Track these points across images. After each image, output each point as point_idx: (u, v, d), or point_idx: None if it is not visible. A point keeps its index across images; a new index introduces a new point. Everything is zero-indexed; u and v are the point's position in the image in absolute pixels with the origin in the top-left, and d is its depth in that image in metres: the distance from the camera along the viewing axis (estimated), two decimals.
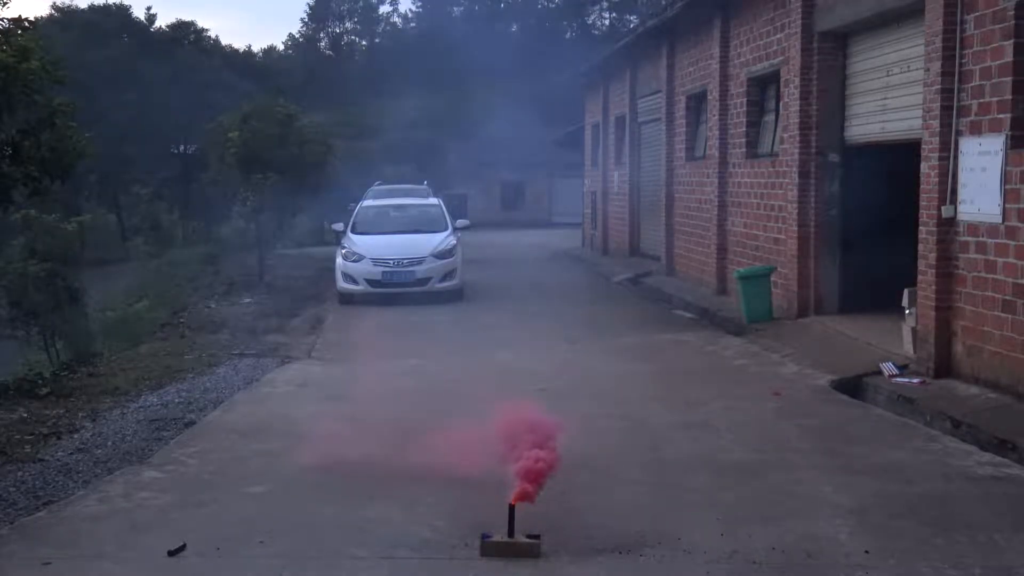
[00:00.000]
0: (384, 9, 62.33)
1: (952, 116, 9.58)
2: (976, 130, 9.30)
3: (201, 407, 9.67)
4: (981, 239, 9.26)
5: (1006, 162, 8.84)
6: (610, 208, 27.02)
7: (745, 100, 15.93)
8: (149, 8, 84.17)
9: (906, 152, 10.92)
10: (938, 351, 9.77)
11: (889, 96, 11.87)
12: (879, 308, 12.27)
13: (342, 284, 18.35)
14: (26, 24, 9.65)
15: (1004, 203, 8.87)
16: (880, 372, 10.20)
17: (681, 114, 19.76)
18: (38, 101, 9.56)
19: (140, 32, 50.58)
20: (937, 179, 9.78)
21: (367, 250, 18.37)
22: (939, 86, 9.67)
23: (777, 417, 8.97)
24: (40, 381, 11.28)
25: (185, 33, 52.79)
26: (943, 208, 9.70)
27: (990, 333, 9.08)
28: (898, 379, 9.88)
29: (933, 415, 8.70)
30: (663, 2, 22.20)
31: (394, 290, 17.95)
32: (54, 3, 50.93)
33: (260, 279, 21.56)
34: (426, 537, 5.93)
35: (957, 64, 9.51)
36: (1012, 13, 8.72)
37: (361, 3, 61.07)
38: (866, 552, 5.63)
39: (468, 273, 19.57)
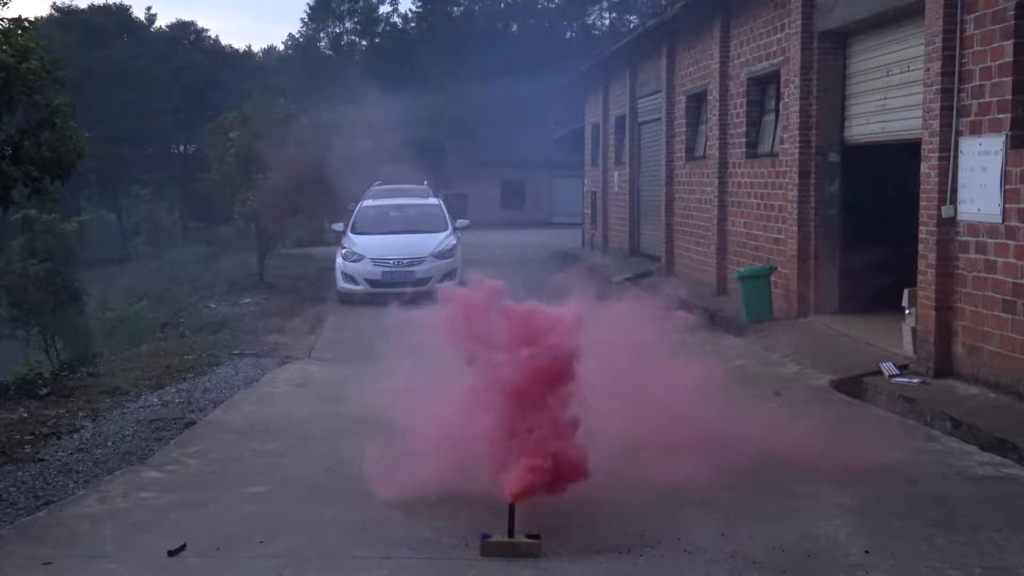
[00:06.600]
0: (384, 9, 62.24)
1: (952, 116, 9.59)
2: (976, 130, 9.30)
3: (201, 407, 9.67)
4: (981, 239, 9.26)
5: (1006, 162, 8.84)
6: (610, 208, 27.03)
7: (745, 100, 15.93)
8: (149, 8, 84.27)
9: (906, 152, 10.93)
10: (938, 351, 9.77)
11: (889, 96, 11.87)
12: (879, 308, 12.27)
13: (342, 284, 18.37)
14: (26, 24, 9.65)
15: (1004, 203, 8.87)
16: (880, 372, 10.20)
17: (681, 114, 19.76)
18: (38, 101, 9.56)
19: (140, 32, 50.61)
20: (937, 179, 9.78)
21: (367, 250, 18.38)
22: (939, 86, 9.67)
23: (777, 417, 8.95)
24: (40, 381, 11.29)
25: (185, 33, 52.81)
26: (943, 208, 9.70)
27: (990, 333, 9.08)
28: (898, 379, 9.88)
29: (933, 415, 8.70)
30: (663, 2, 22.20)
31: (394, 290, 17.93)
32: (54, 3, 50.98)
33: (260, 279, 21.56)
34: (426, 537, 5.92)
35: (957, 64, 9.51)
36: (1012, 13, 8.72)
37: (361, 3, 61.07)
38: (866, 552, 5.63)
39: (468, 273, 19.54)
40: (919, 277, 10.15)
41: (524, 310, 6.27)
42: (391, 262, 18.11)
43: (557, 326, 6.17)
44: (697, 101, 19.00)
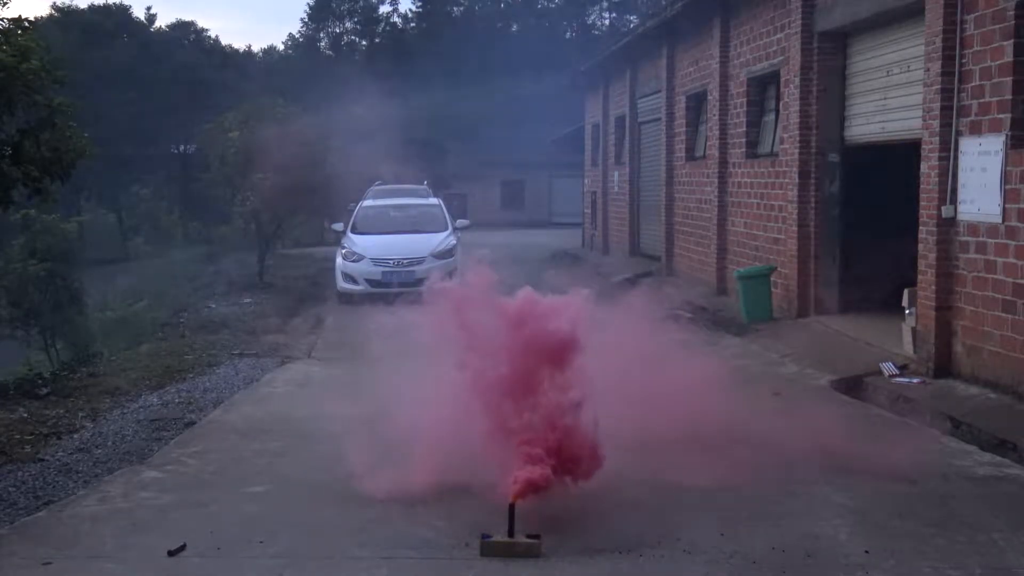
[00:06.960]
0: (384, 9, 62.18)
1: (952, 116, 9.59)
2: (976, 130, 9.30)
3: (201, 407, 9.67)
4: (981, 239, 9.26)
5: (1006, 162, 8.84)
6: (610, 208, 27.03)
7: (745, 100, 15.93)
8: (149, 8, 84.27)
9: (906, 152, 10.93)
10: (938, 351, 9.77)
11: (889, 96, 11.87)
12: (879, 308, 12.28)
13: (342, 284, 18.37)
14: (26, 24, 9.65)
15: (1004, 203, 8.88)
16: (880, 372, 10.20)
17: (681, 114, 19.77)
18: (38, 101, 9.56)
19: (140, 32, 50.57)
20: (937, 179, 9.78)
21: (367, 250, 18.39)
22: (939, 86, 9.67)
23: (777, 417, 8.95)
24: (40, 381, 11.28)
25: (185, 33, 52.80)
26: (943, 208, 9.70)
27: (990, 333, 9.08)
28: (898, 379, 9.88)
29: (933, 415, 8.70)
30: (663, 2, 22.21)
31: (394, 290, 17.94)
32: (54, 3, 50.95)
33: (260, 279, 21.56)
34: (426, 537, 5.92)
35: (957, 64, 9.51)
36: (1012, 13, 8.73)
37: (361, 3, 61.04)
38: (866, 552, 5.63)
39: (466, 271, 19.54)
40: (919, 277, 10.15)
41: (517, 302, 6.26)
42: (391, 262, 18.11)
43: (552, 314, 6.16)
44: (697, 101, 19.00)
